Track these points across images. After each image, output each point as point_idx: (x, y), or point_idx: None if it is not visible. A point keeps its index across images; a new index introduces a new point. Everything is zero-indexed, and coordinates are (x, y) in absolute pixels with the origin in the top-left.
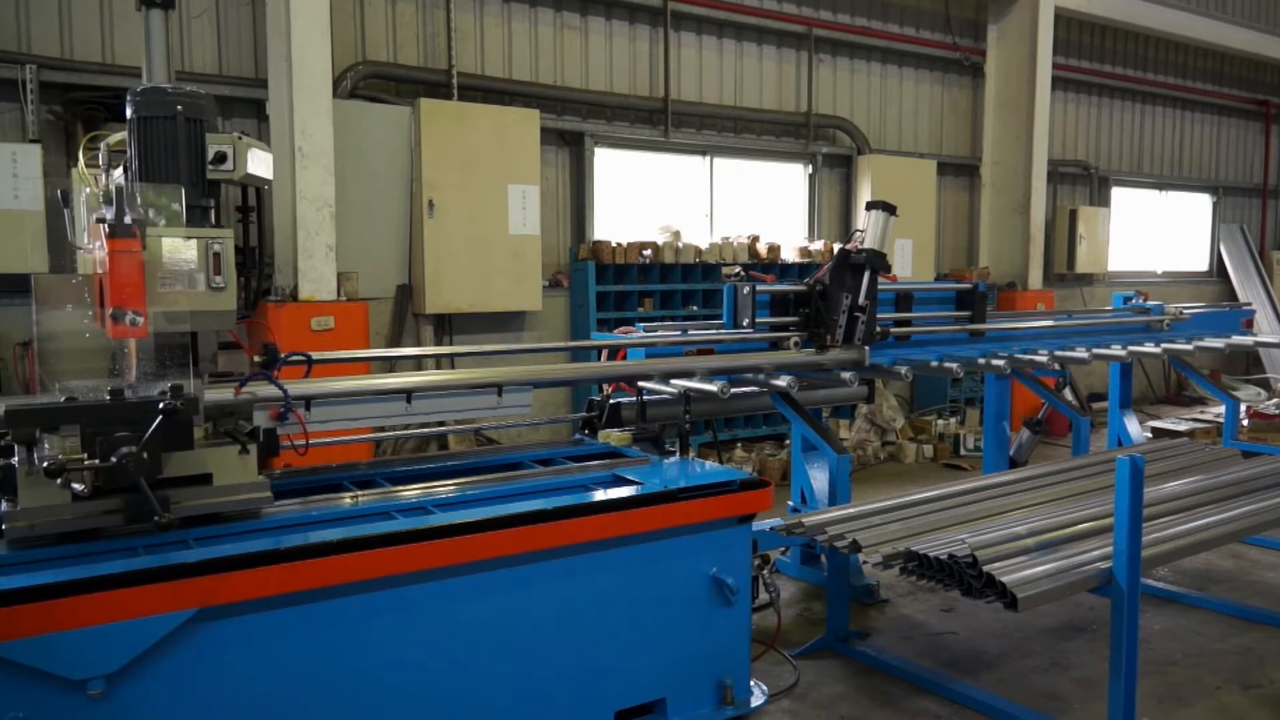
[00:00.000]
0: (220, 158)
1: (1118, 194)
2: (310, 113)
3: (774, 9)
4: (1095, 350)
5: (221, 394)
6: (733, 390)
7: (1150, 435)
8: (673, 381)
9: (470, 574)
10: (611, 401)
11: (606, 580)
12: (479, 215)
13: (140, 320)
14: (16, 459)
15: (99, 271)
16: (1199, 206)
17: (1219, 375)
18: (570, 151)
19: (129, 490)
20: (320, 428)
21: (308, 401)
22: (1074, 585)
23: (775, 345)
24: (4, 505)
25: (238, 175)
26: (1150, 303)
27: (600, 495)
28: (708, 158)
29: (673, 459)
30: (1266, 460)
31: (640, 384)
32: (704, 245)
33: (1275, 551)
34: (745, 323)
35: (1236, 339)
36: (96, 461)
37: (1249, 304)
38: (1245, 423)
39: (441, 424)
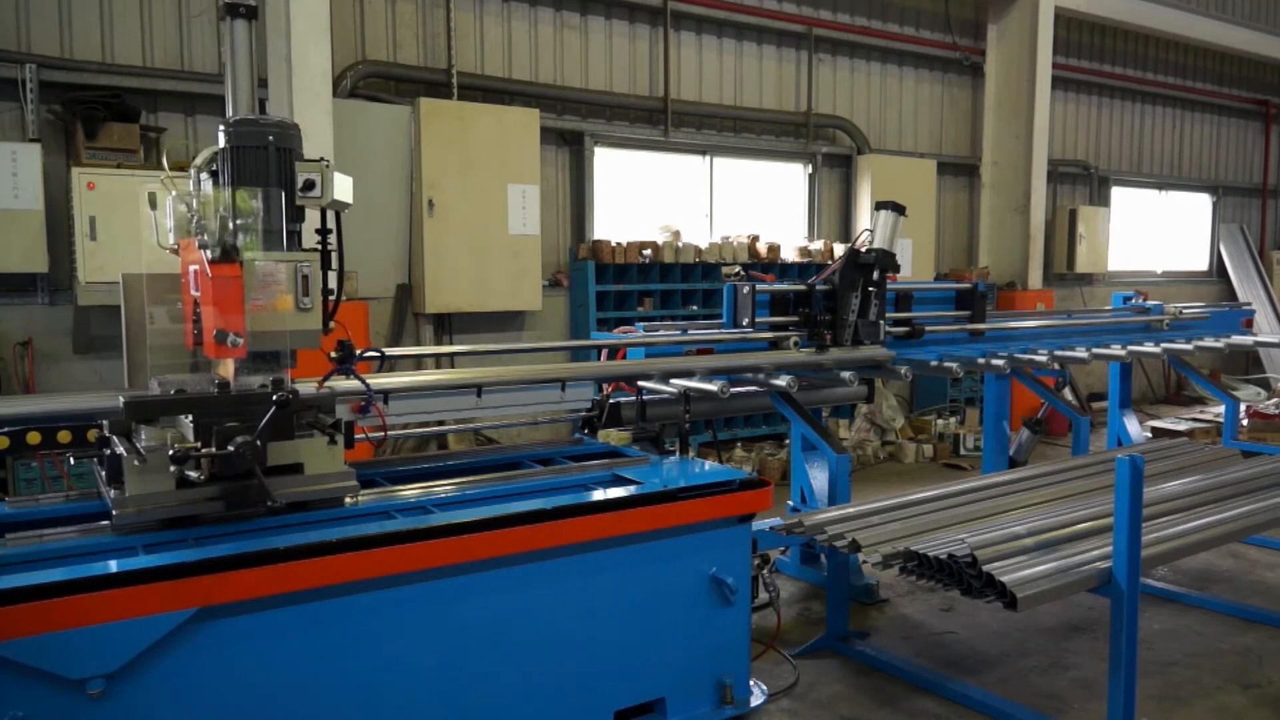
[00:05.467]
0: (309, 185)
1: (1118, 194)
2: (310, 112)
3: (774, 9)
4: (1095, 350)
5: (307, 387)
6: (733, 390)
7: (1150, 435)
8: (673, 381)
9: (470, 574)
10: (611, 401)
11: (606, 580)
12: (479, 215)
13: (240, 341)
14: (122, 449)
15: (193, 293)
16: (1199, 206)
17: (1219, 375)
18: (570, 151)
19: (237, 478)
20: (396, 421)
21: (386, 395)
22: (1074, 585)
23: (775, 345)
24: (111, 493)
25: (325, 201)
26: (1150, 303)
27: (600, 495)
28: (708, 157)
29: (672, 459)
30: (1266, 460)
31: (640, 383)
32: (704, 245)
33: (1275, 551)
34: (745, 322)
35: (1236, 339)
36: (213, 449)
37: (1249, 304)
38: (1245, 422)
39: (441, 423)
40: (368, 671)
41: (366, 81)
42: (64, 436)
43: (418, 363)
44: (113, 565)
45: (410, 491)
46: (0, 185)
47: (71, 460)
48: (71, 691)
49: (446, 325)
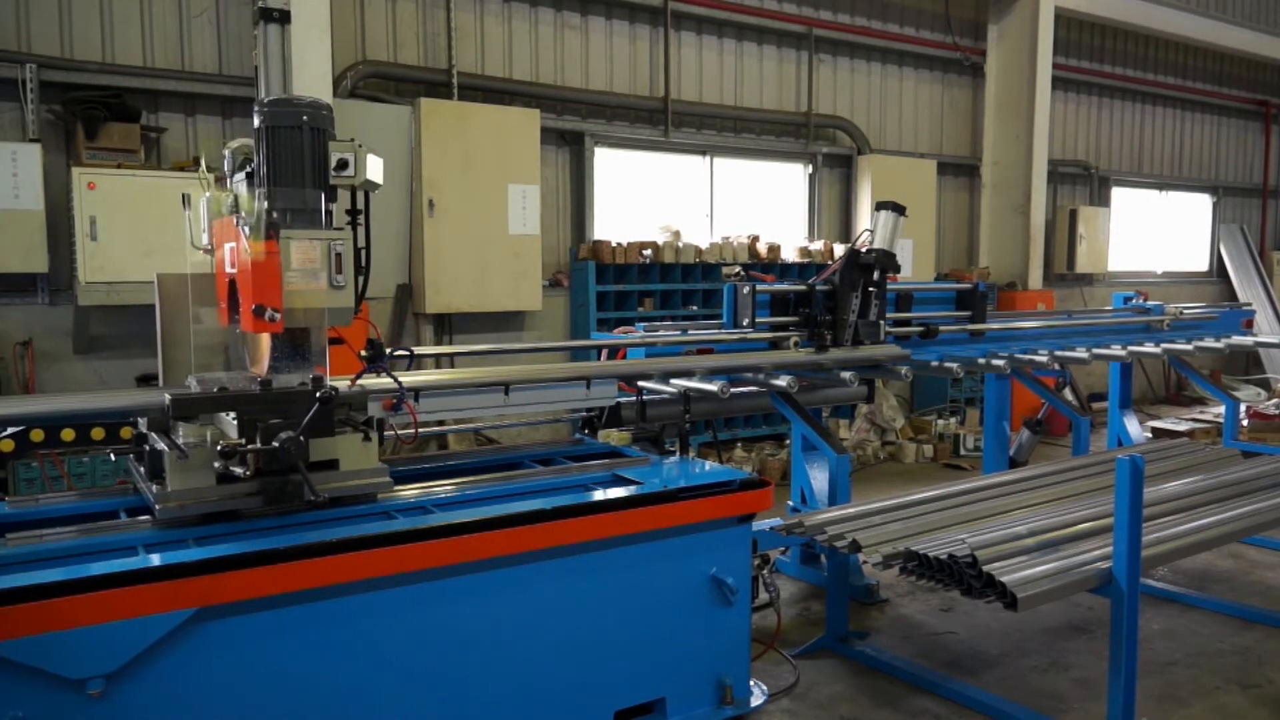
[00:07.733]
0: (342, 164)
1: (1118, 194)
2: None
3: (774, 9)
4: (1095, 350)
5: (340, 385)
6: (733, 390)
7: (1150, 435)
8: (673, 381)
9: (469, 574)
10: (612, 401)
11: (606, 580)
12: (479, 215)
13: (278, 316)
14: (163, 445)
15: (228, 270)
16: (1199, 206)
17: (1219, 375)
18: (570, 151)
19: (278, 473)
20: (426, 418)
21: (417, 393)
22: (1074, 585)
23: (775, 345)
24: (153, 488)
25: (358, 181)
26: (1150, 303)
27: (600, 495)
28: (708, 157)
29: (672, 459)
30: (1266, 460)
31: (640, 383)
32: (704, 245)
33: (1275, 551)
34: (745, 322)
35: (1236, 339)
36: (259, 445)
37: (1249, 304)
38: (1245, 423)
39: (441, 423)
40: (367, 671)
41: (367, 81)
42: (98, 433)
43: (419, 362)
44: (112, 565)
45: (410, 491)
46: (0, 185)
47: (113, 456)
48: (71, 691)
49: (446, 325)
